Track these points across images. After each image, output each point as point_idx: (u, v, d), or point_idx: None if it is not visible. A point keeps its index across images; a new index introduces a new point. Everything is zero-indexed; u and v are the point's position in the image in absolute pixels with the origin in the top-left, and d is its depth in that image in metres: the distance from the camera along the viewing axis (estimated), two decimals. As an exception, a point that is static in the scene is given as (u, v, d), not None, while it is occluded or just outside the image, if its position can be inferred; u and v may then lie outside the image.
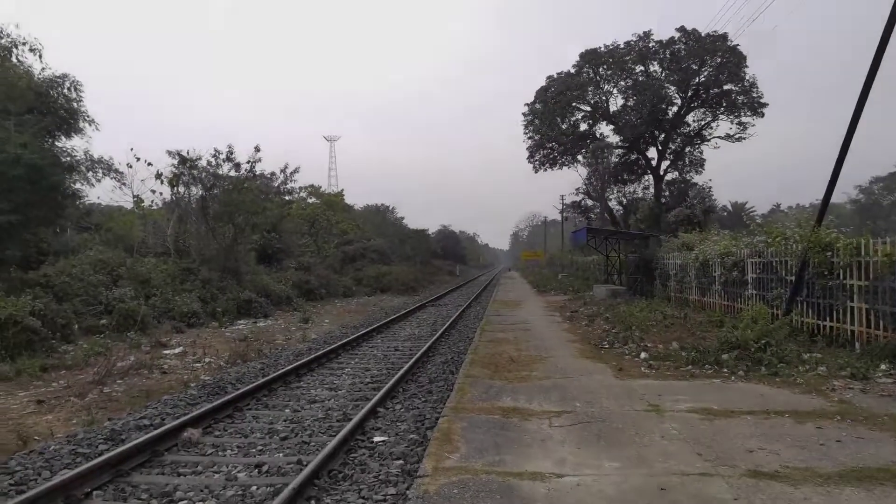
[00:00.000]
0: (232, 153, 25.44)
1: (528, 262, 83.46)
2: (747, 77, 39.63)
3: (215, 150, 25.18)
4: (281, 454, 6.22)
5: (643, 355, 10.55)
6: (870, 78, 10.40)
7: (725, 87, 39.94)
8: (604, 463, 5.20)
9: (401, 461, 5.90)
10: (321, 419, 7.52)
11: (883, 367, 8.69)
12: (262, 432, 6.98)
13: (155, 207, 27.10)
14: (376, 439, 6.61)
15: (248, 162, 25.82)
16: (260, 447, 6.42)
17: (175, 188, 25.07)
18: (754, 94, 39.98)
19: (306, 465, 5.57)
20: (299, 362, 10.79)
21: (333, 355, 12.21)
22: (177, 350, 13.45)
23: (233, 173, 25.71)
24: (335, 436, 6.46)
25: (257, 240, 28.68)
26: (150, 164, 24.21)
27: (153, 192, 25.73)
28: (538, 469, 5.05)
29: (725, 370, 9.12)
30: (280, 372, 9.83)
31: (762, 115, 40.42)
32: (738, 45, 38.55)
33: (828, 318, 11.27)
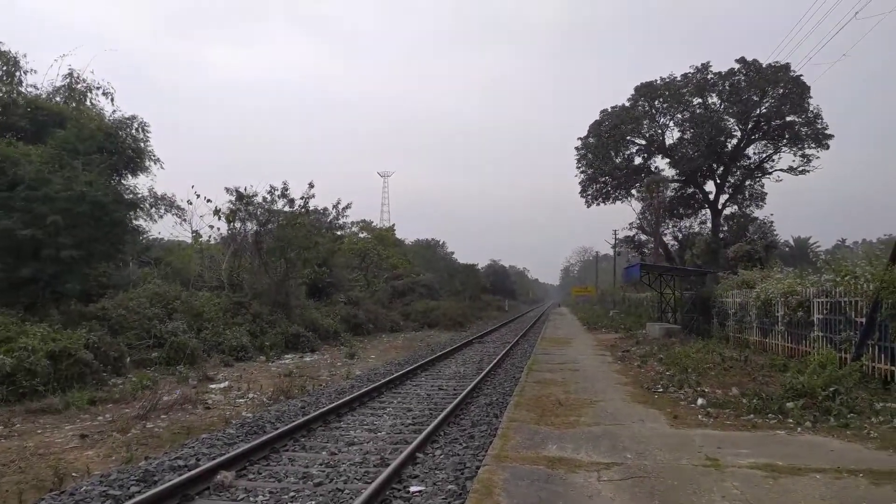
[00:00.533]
0: (287, 189, 25.99)
1: (578, 298, 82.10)
2: (811, 108, 38.42)
3: (271, 187, 25.79)
4: (313, 502, 5.99)
5: (700, 401, 9.94)
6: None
7: (788, 119, 38.77)
8: (656, 526, 4.77)
9: (437, 514, 5.58)
10: (358, 463, 7.26)
11: (970, 421, 7.90)
12: (296, 476, 6.77)
13: (213, 242, 27.82)
14: (412, 489, 6.31)
15: (301, 198, 26.33)
16: (293, 493, 6.19)
17: (231, 223, 25.72)
18: (818, 126, 38.66)
19: (338, 516, 5.31)
20: (341, 401, 10.60)
21: (376, 393, 12.00)
22: (223, 384, 13.50)
23: (287, 209, 26.23)
24: (370, 483, 6.19)
25: (308, 274, 29.02)
26: (209, 200, 24.93)
27: (211, 227, 26.44)
28: (583, 531, 4.66)
29: (790, 420, 8.46)
30: (321, 411, 9.65)
31: (827, 146, 38.98)
32: (801, 75, 37.48)
33: (904, 365, 10.43)
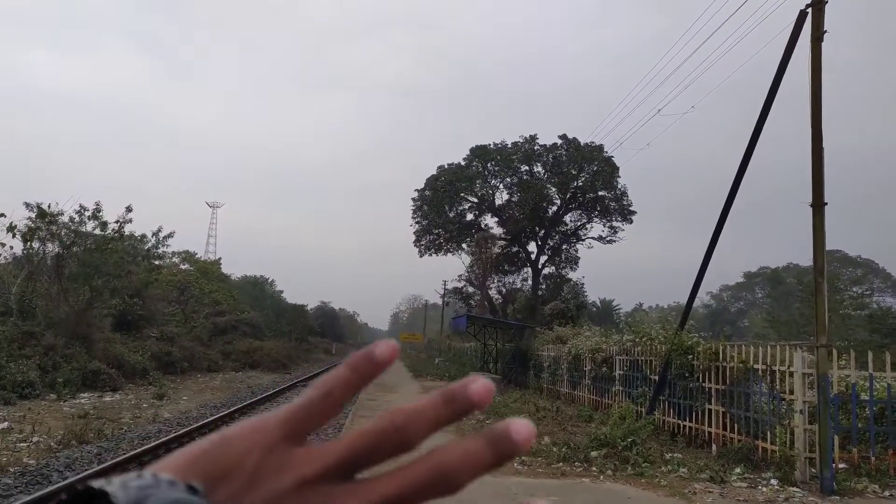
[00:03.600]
0: (99, 211, 23.64)
1: (406, 344, 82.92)
2: (619, 186, 43.17)
3: (80, 206, 23.34)
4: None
5: (516, 450, 10.40)
6: (727, 204, 11.43)
7: (600, 193, 43.14)
8: (472, 574, 4.86)
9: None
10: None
11: (738, 470, 9.06)
12: (85, 532, 6.00)
13: (2, 262, 24.37)
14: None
15: (116, 221, 24.10)
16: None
17: (29, 243, 22.78)
18: (624, 202, 43.47)
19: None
20: (144, 447, 9.65)
21: (186, 439, 11.07)
22: (1, 426, 11.69)
23: (98, 232, 23.84)
24: (174, 538, 5.66)
25: (117, 304, 26.41)
26: (2, 214, 21.95)
27: (2, 245, 23.20)
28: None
29: (594, 468, 9.13)
30: (119, 458, 8.72)
31: (631, 221, 43.84)
32: (612, 156, 42.01)
33: (688, 419, 11.77)
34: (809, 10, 9.39)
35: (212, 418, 13.22)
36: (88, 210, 23.41)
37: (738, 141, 11.32)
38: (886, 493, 8.30)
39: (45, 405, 14.91)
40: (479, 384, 0.37)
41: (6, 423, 11.89)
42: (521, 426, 0.36)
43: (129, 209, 24.42)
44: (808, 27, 9.38)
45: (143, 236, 27.06)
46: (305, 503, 0.35)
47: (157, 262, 30.25)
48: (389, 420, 0.38)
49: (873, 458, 9.04)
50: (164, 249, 29.26)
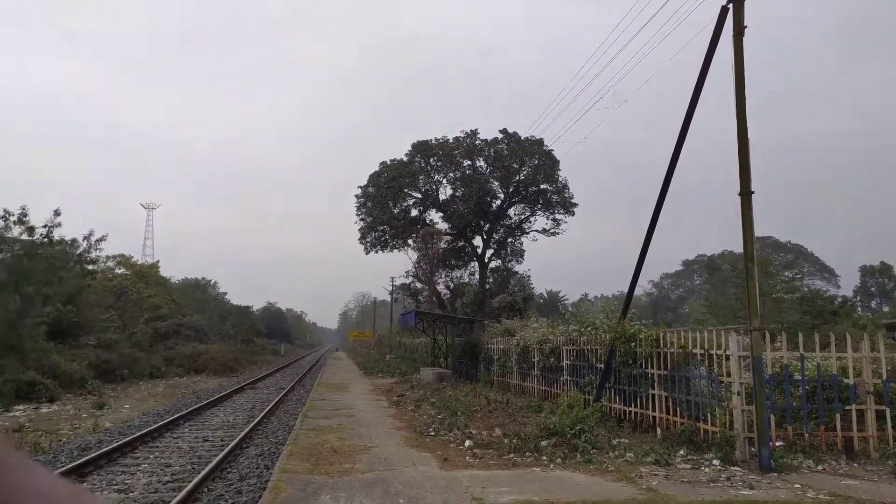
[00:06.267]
0: (25, 215, 22.56)
1: (356, 342, 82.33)
2: (560, 179, 43.93)
3: (5, 211, 22.21)
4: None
5: (468, 443, 10.50)
6: (662, 194, 11.76)
7: (542, 187, 43.79)
8: (427, 569, 4.88)
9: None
10: (104, 530, 6.39)
11: (681, 452, 9.39)
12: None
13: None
14: (170, 554, 5.71)
15: (44, 226, 23.04)
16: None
17: (-51, 250, 21.58)
18: (566, 195, 44.27)
19: None
20: (84, 458, 9.28)
21: (129, 449, 10.70)
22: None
23: (25, 237, 22.75)
24: (119, 552, 5.48)
25: (49, 312, 25.26)
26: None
27: (-81, 253, 21.87)
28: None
29: (545, 458, 9.30)
30: (57, 472, 8.35)
31: (573, 213, 44.69)
32: (552, 150, 42.68)
33: (633, 405, 12.10)
34: (731, 6, 9.77)
35: (155, 426, 12.81)
36: (13, 214, 22.33)
37: (672, 132, 11.67)
38: (819, 468, 8.75)
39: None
40: None
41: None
42: None
43: (57, 213, 23.40)
44: (731, 22, 9.75)
45: (74, 241, 25.95)
46: None
47: (90, 267, 29.07)
48: None
49: (807, 435, 9.51)
50: (97, 254, 28.12)
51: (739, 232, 9.40)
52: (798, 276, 60.84)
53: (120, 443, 10.71)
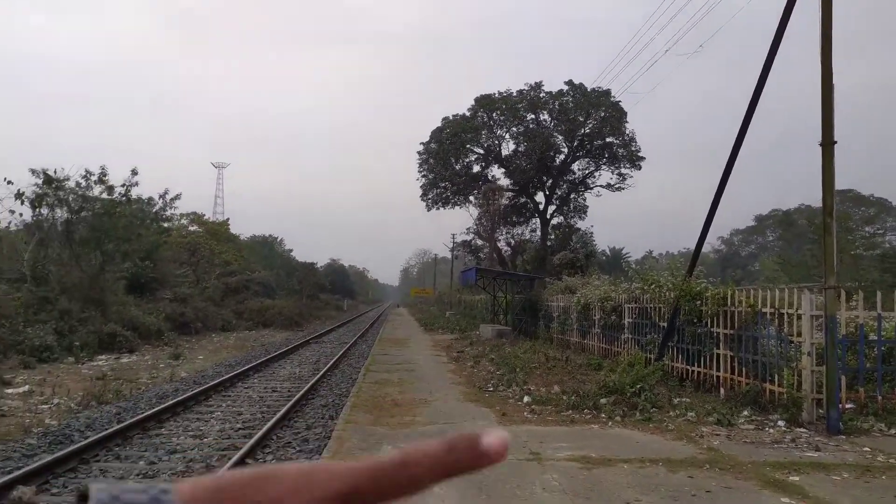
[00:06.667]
0: (105, 175, 23.65)
1: (417, 299, 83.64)
2: (627, 132, 42.44)
3: (86, 171, 23.34)
4: (128, 516, 5.51)
5: (526, 399, 10.57)
6: (736, 147, 11.22)
7: (608, 140, 42.47)
8: (483, 520, 4.99)
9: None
10: (180, 473, 6.81)
11: (745, 413, 9.17)
12: (108, 489, 6.19)
13: (13, 229, 24.56)
14: (241, 496, 6.04)
15: (122, 185, 24.14)
16: (104, 508, 5.66)
17: (37, 209, 22.88)
18: (633, 148, 42.80)
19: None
20: (162, 405, 9.87)
21: (203, 397, 11.31)
22: (22, 389, 11.97)
23: (105, 196, 23.90)
24: (194, 493, 5.82)
25: (129, 268, 26.65)
26: (9, 182, 21.98)
27: (12, 212, 23.30)
28: (414, 529, 4.74)
29: (603, 415, 9.27)
30: (138, 417, 8.92)
31: (640, 167, 43.27)
32: (620, 101, 41.22)
33: (696, 364, 11.86)
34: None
35: (227, 376, 13.46)
36: (94, 175, 23.44)
37: (749, 81, 11.05)
38: (892, 432, 8.38)
39: (63, 368, 15.23)
40: (495, 438, 0.37)
41: (27, 386, 12.19)
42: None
43: (134, 172, 24.43)
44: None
45: (151, 199, 27.07)
46: None
47: (165, 225, 30.34)
48: (398, 456, 0.38)
49: (880, 398, 9.10)
50: (172, 212, 29.30)
51: (818, 185, 8.89)
52: (880, 231, 57.48)
53: (195, 391, 11.32)
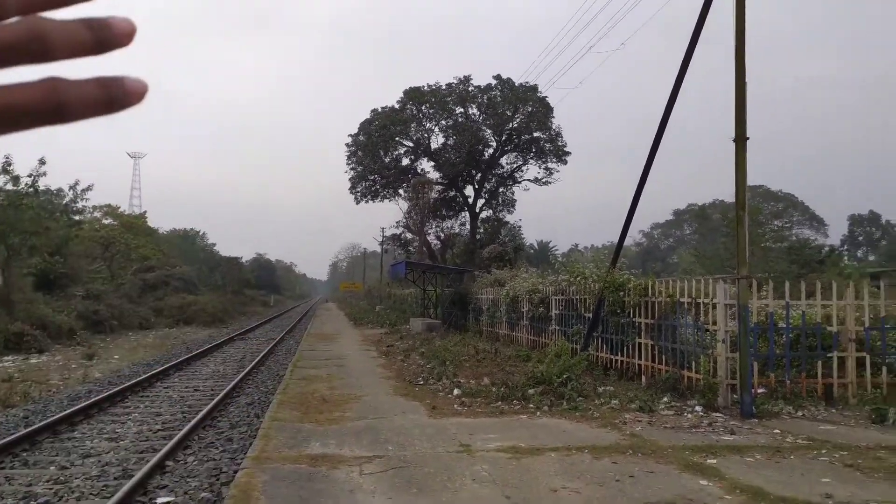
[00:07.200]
0: (9, 164, 22.17)
1: (346, 293, 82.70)
2: (554, 127, 43.35)
3: (-13, 160, 21.79)
4: (36, 527, 5.18)
5: (456, 392, 10.62)
6: (655, 143, 11.60)
7: (535, 135, 43.24)
8: (414, 513, 4.96)
9: (188, 526, 5.18)
10: (95, 477, 6.45)
11: (665, 399, 9.55)
12: (14, 497, 5.80)
13: None
14: (159, 500, 5.78)
15: (29, 175, 22.69)
16: (8, 519, 5.30)
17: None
18: (559, 143, 43.77)
19: (67, 540, 4.65)
20: (75, 408, 9.33)
21: (119, 398, 10.77)
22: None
23: (10, 187, 22.41)
24: (109, 498, 5.54)
25: (36, 263, 25.12)
26: None
27: None
28: (344, 526, 4.67)
29: (532, 406, 9.43)
30: (48, 420, 8.39)
31: (566, 161, 44.28)
32: (546, 96, 42.01)
33: (619, 354, 12.26)
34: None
35: (145, 376, 12.88)
36: (-4, 164, 21.92)
37: (668, 77, 11.45)
38: (799, 414, 8.93)
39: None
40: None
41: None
42: (121, 20, 0.36)
43: (42, 161, 22.99)
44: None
45: (60, 191, 25.62)
46: None
47: (77, 218, 28.76)
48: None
49: (788, 382, 9.68)
50: (84, 204, 27.85)
51: (731, 180, 9.31)
52: (787, 224, 61.15)
53: (109, 392, 10.77)
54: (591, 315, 13.32)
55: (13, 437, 7.54)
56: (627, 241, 14.26)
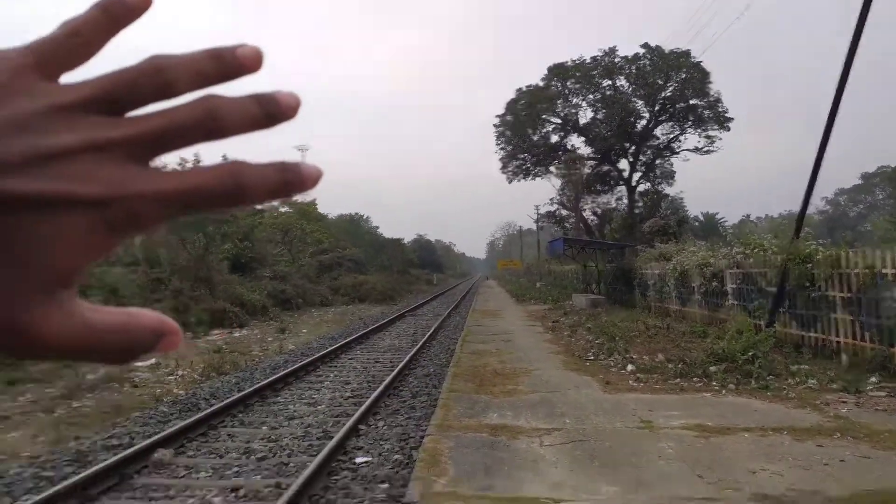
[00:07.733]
0: (199, 161, 24.89)
1: (504, 271, 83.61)
2: (712, 92, 40.37)
3: (180, 158, 24.67)
4: (258, 476, 5.86)
5: (630, 367, 10.37)
6: (836, 100, 10.39)
7: (691, 102, 40.56)
8: (601, 487, 4.96)
9: (386, 485, 5.59)
10: (300, 437, 7.16)
11: (873, 379, 8.61)
12: (237, 452, 6.61)
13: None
14: (359, 460, 6.29)
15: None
16: (236, 468, 6.05)
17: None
18: (720, 109, 40.67)
19: (286, 490, 5.22)
20: (276, 375, 10.39)
21: (312, 367, 11.82)
22: (149, 362, 12.92)
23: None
24: (315, 456, 6.12)
25: (229, 249, 28.10)
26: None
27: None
28: (534, 494, 4.79)
29: (714, 383, 8.96)
30: (256, 386, 9.43)
31: (728, 128, 41.09)
32: (701, 61, 39.15)
33: (811, 330, 11.23)
34: None
35: (331, 348, 13.97)
36: (188, 161, 24.70)
37: (845, 31, 10.15)
38: None
39: (182, 343, 16.28)
40: (248, 48, 0.36)
41: (153, 360, 13.13)
42: (287, 94, 0.36)
43: (223, 158, 25.43)
44: None
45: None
46: (56, 129, 0.32)
47: (257, 207, 31.58)
48: (150, 61, 0.34)
49: None
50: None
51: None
52: None
53: (304, 362, 11.84)
54: (774, 289, 12.33)
55: (230, 399, 8.55)
56: (809, 210, 12.95)
